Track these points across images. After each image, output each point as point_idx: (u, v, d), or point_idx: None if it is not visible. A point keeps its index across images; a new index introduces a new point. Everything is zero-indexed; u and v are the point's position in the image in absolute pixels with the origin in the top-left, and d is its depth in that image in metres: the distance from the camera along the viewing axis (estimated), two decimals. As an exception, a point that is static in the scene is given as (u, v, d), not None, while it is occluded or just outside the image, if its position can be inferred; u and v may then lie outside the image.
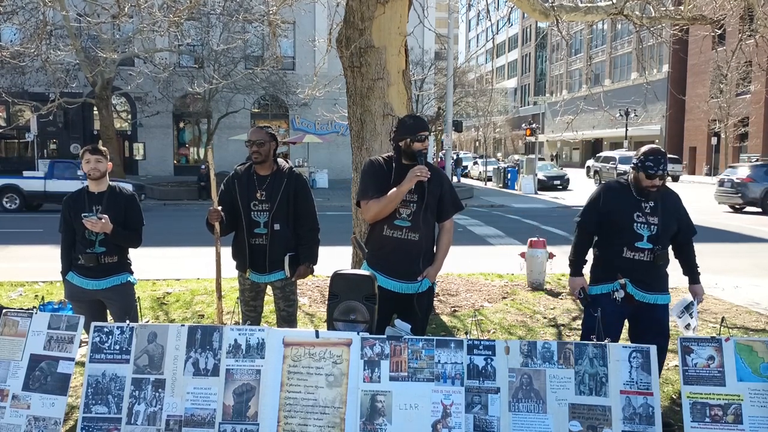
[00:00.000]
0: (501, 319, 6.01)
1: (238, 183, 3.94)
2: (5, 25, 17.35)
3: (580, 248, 3.80)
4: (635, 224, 3.52)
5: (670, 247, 3.68)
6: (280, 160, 4.04)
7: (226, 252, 3.97)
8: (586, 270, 3.81)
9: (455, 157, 34.84)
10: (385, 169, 3.54)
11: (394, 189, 3.39)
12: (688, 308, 3.62)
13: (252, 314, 4.12)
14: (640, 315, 3.64)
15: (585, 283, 3.77)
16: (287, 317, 4.11)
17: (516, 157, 37.04)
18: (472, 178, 37.02)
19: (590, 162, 36.69)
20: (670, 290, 3.74)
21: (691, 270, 3.76)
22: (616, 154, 31.90)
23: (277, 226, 3.89)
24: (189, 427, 2.93)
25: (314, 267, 4.05)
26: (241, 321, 4.17)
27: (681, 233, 3.66)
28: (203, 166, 23.21)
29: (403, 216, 3.46)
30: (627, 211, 3.55)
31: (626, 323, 3.77)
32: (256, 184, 3.91)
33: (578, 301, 3.83)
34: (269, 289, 4.17)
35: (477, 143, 61.79)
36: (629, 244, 3.53)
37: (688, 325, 3.58)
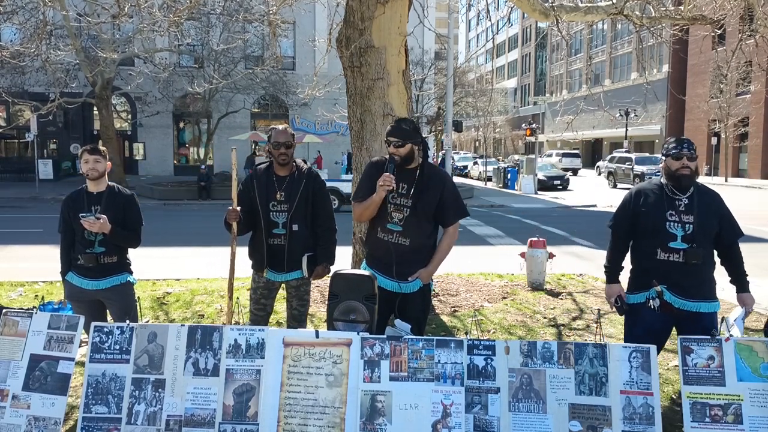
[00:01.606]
0: (501, 319, 6.01)
1: (257, 183, 3.94)
2: (5, 25, 17.34)
3: (614, 253, 3.64)
4: (668, 223, 3.35)
5: (715, 252, 3.48)
6: (298, 161, 4.05)
7: (242, 252, 3.96)
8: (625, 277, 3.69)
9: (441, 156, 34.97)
10: (383, 170, 3.55)
11: (372, 196, 3.44)
12: (737, 321, 3.32)
13: (261, 313, 4.10)
14: (686, 325, 3.40)
15: (622, 291, 3.61)
16: (298, 316, 4.11)
17: (516, 157, 37.17)
18: (472, 178, 37.03)
19: (603, 162, 36.80)
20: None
21: (737, 277, 3.48)
22: (632, 155, 31.67)
23: (295, 227, 3.89)
24: (189, 427, 2.93)
25: (331, 267, 4.06)
26: (248, 320, 4.16)
27: (724, 234, 3.42)
28: (203, 167, 23.23)
29: (394, 220, 3.47)
30: (659, 210, 3.38)
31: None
32: (276, 184, 3.92)
33: (615, 309, 3.64)
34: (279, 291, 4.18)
35: (477, 143, 61.73)
36: (663, 245, 3.35)
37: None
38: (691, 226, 3.33)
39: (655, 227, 3.39)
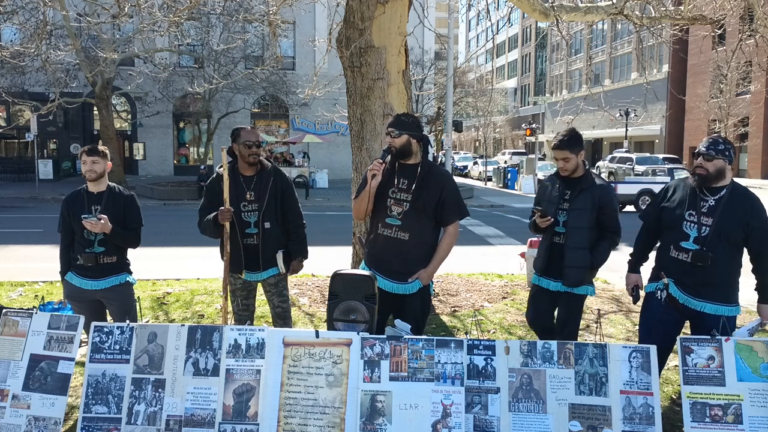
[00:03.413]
0: (501, 319, 6.01)
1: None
2: (5, 25, 17.34)
3: (638, 244, 3.74)
4: (685, 223, 3.36)
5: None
6: (262, 159, 4.06)
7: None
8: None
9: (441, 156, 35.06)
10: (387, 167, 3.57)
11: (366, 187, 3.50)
12: (751, 331, 3.21)
13: (245, 313, 4.14)
14: (694, 325, 3.44)
15: (639, 281, 3.70)
16: (282, 313, 4.13)
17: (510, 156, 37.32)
18: (472, 178, 37.05)
19: (603, 162, 36.84)
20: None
21: (761, 286, 3.40)
22: (633, 155, 31.55)
23: (267, 225, 3.93)
24: (189, 427, 2.94)
25: (305, 262, 4.12)
26: (234, 320, 4.18)
27: (752, 242, 3.31)
28: (203, 167, 23.23)
29: (393, 214, 3.48)
30: (681, 208, 3.39)
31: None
32: (244, 184, 3.93)
33: (631, 297, 3.77)
34: (259, 288, 4.20)
35: (477, 143, 61.79)
36: (675, 243, 3.39)
37: None
38: (707, 228, 3.29)
39: (672, 224, 3.42)
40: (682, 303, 3.41)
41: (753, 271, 3.43)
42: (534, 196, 4.95)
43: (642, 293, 3.74)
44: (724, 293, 3.38)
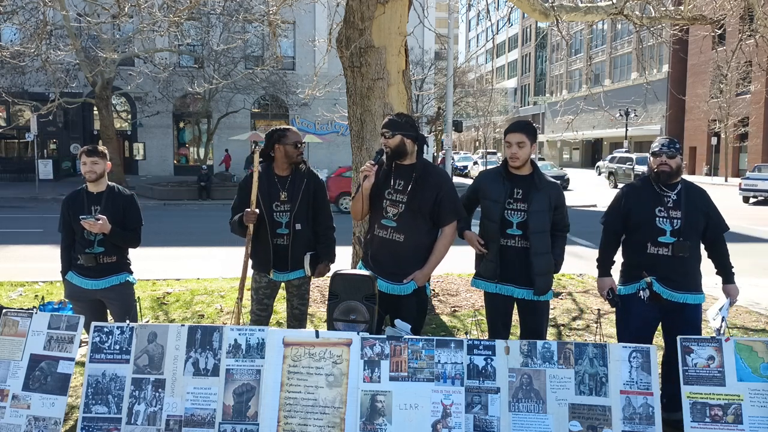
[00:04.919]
0: (501, 319, 6.00)
1: (258, 184, 3.94)
2: (5, 25, 17.35)
3: (605, 249, 3.80)
4: (657, 219, 3.48)
5: (701, 246, 3.60)
6: None
7: (238, 251, 3.95)
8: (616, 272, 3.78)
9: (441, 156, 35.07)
10: (383, 168, 3.57)
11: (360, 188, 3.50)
12: (721, 310, 3.39)
13: (264, 314, 4.11)
14: (671, 317, 3.57)
15: (613, 284, 3.74)
16: (299, 315, 4.13)
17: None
18: (472, 178, 37.11)
19: (603, 162, 36.82)
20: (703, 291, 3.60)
21: (723, 268, 3.62)
22: (633, 155, 31.55)
23: (298, 226, 3.91)
24: (189, 427, 2.94)
25: (331, 266, 4.10)
26: (250, 320, 4.17)
27: (710, 229, 3.56)
28: (204, 167, 23.23)
29: (389, 215, 3.48)
30: (648, 206, 3.52)
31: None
32: (278, 184, 3.92)
33: (607, 302, 3.76)
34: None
35: (477, 143, 61.84)
36: (652, 240, 3.49)
37: (720, 328, 3.37)
38: (679, 221, 3.47)
39: (645, 223, 3.53)
40: (665, 298, 3.50)
41: (710, 256, 3.64)
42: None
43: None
44: (696, 282, 3.57)
